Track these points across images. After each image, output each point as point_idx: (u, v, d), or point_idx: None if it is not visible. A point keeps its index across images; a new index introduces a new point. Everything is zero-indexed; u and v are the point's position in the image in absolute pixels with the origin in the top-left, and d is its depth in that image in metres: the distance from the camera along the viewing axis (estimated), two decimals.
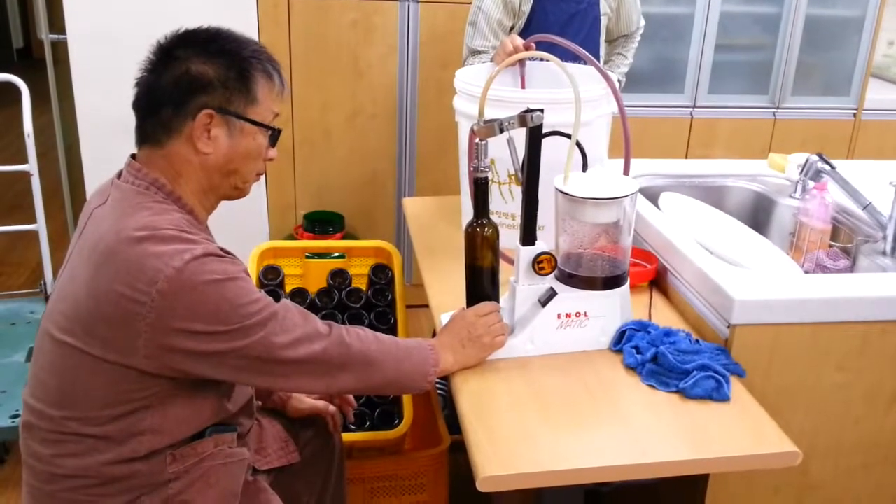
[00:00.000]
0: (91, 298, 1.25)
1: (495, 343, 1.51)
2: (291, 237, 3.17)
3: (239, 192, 1.42)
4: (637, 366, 1.50)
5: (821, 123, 3.46)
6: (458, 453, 2.02)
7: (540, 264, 1.53)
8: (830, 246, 2.04)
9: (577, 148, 1.52)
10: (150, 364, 1.25)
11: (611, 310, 1.57)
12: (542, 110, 1.47)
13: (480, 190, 1.51)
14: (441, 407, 2.33)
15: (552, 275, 1.55)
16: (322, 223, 3.15)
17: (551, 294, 1.53)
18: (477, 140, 1.47)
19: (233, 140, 1.35)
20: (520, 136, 1.49)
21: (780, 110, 3.43)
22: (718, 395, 1.42)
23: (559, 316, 1.55)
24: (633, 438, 1.32)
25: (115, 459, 1.28)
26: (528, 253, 1.53)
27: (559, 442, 1.30)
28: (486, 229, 1.53)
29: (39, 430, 1.31)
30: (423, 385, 1.44)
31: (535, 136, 1.48)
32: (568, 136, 1.51)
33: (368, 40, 3.12)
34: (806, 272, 1.97)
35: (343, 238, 3.14)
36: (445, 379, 1.53)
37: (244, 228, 3.04)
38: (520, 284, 1.55)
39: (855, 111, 3.48)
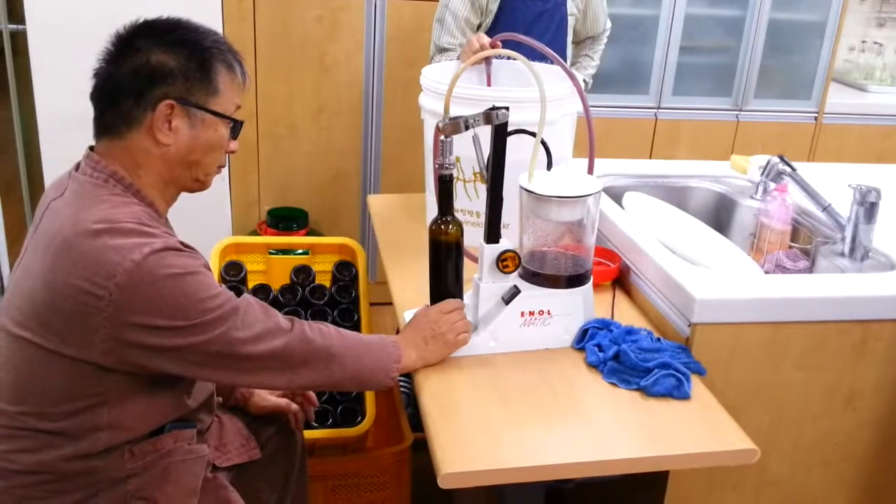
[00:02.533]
0: (48, 292, 1.23)
1: (458, 341, 1.50)
2: (255, 233, 3.15)
3: (200, 185, 1.41)
4: (599, 364, 1.51)
5: (783, 126, 3.51)
6: (421, 451, 2.02)
7: (504, 262, 1.53)
8: (790, 247, 2.07)
9: (541, 146, 1.52)
10: (108, 359, 1.23)
11: (574, 308, 1.58)
12: (507, 108, 1.47)
13: (445, 187, 1.51)
14: (404, 405, 2.33)
15: (516, 273, 1.55)
16: (286, 219, 3.12)
17: (515, 292, 1.53)
18: (442, 137, 1.47)
19: (194, 131, 1.33)
20: (485, 134, 1.49)
21: (742, 112, 3.47)
22: (679, 393, 1.43)
23: (522, 314, 1.55)
24: (595, 435, 1.33)
25: (72, 455, 1.26)
26: (492, 251, 1.53)
27: (521, 439, 1.31)
28: (450, 227, 1.52)
29: None
30: (385, 381, 1.44)
31: (501, 134, 1.48)
32: (533, 134, 1.51)
33: (334, 36, 3.11)
34: (766, 272, 2.00)
35: (307, 234, 3.12)
36: (408, 376, 1.53)
37: (207, 224, 3.00)
38: (483, 282, 1.55)
39: (816, 114, 3.53)
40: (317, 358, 1.36)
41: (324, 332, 1.38)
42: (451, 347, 1.50)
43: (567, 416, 1.38)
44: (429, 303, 1.56)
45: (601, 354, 1.51)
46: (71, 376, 1.25)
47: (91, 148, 1.36)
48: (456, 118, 1.46)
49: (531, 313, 1.55)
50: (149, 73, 1.30)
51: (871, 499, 1.78)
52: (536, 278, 1.56)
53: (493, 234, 1.53)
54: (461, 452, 1.26)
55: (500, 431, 1.32)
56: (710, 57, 3.45)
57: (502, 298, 1.55)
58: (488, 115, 1.46)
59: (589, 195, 1.51)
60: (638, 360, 1.47)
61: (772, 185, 2.11)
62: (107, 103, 1.33)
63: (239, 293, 2.02)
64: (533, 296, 1.55)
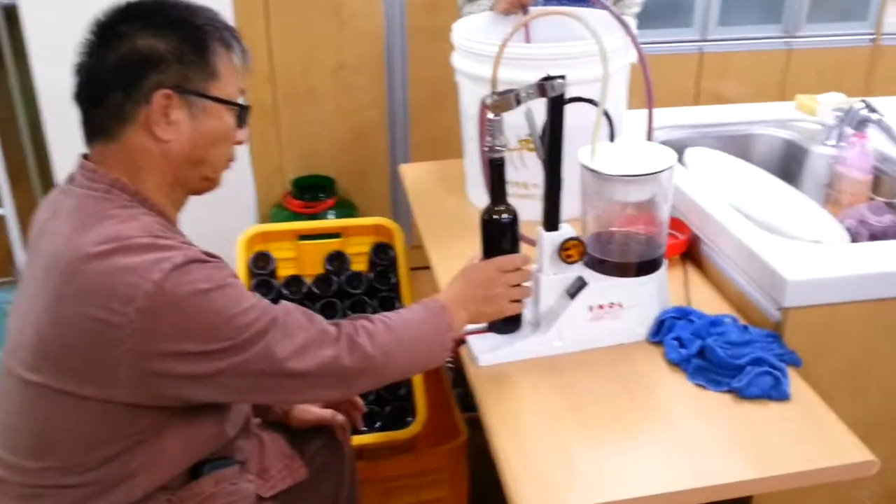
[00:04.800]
0: (56, 327, 1.07)
1: (509, 308, 1.34)
2: (280, 206, 2.97)
3: (209, 184, 1.24)
4: (681, 361, 1.33)
5: (838, 52, 3.24)
6: (475, 431, 1.88)
7: (567, 251, 1.35)
8: (871, 199, 1.86)
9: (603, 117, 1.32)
10: (136, 395, 1.08)
11: (648, 297, 1.40)
12: (563, 77, 1.27)
13: (496, 172, 1.31)
14: (451, 384, 2.18)
15: (580, 262, 1.37)
16: (312, 189, 2.94)
17: (581, 284, 1.36)
18: (490, 115, 1.27)
19: (196, 123, 1.16)
20: (536, 104, 1.30)
21: (794, 40, 3.20)
22: (777, 393, 1.26)
23: (591, 308, 1.37)
24: (684, 454, 1.16)
25: None
26: (552, 239, 1.35)
27: (601, 465, 1.14)
28: (503, 216, 1.34)
29: (13, 485, 1.14)
30: (443, 356, 1.29)
31: (558, 108, 1.28)
32: (595, 103, 1.31)
33: None
34: (847, 229, 1.79)
35: (336, 204, 2.94)
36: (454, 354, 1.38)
37: (229, 200, 2.82)
38: (544, 274, 1.38)
39: (874, 36, 3.25)
40: (371, 365, 1.20)
41: (372, 333, 1.21)
42: (500, 314, 1.35)
43: (652, 431, 1.21)
44: None
45: (683, 351, 1.34)
46: (96, 420, 1.10)
47: (84, 156, 1.19)
48: (505, 92, 1.27)
49: (600, 307, 1.38)
50: (138, 61, 1.12)
51: None
52: (603, 266, 1.38)
53: (552, 221, 1.35)
54: (539, 488, 1.10)
55: (577, 456, 1.16)
56: None
57: (566, 292, 1.37)
58: (542, 87, 1.27)
59: (662, 171, 1.31)
60: (727, 356, 1.29)
61: (848, 130, 1.90)
62: (94, 101, 1.15)
63: (269, 287, 1.89)
64: (601, 287, 1.37)
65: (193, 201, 1.26)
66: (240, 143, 1.25)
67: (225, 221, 2.74)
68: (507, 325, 1.39)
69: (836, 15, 3.21)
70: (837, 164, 1.91)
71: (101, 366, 1.06)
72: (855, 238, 1.78)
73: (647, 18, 2.97)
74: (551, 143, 1.30)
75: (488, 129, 1.28)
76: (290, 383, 1.14)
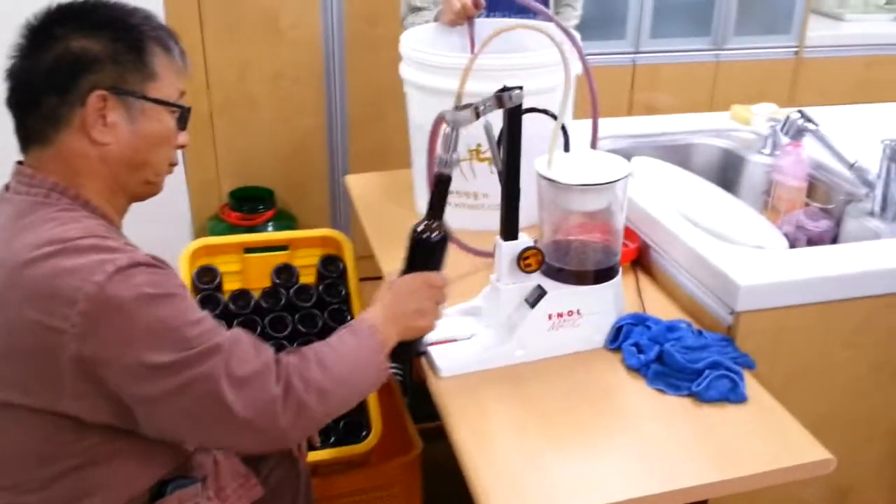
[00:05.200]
0: (0, 335, 1.03)
1: (429, 327, 1.31)
2: (217, 218, 2.91)
3: (151, 188, 1.21)
4: (640, 367, 1.35)
5: (763, 64, 3.34)
6: (429, 444, 1.87)
7: (526, 261, 1.35)
8: (807, 205, 1.93)
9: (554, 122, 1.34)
10: (81, 407, 1.04)
11: (605, 304, 1.41)
12: (521, 88, 1.28)
13: (441, 189, 1.29)
14: (402, 394, 2.16)
15: (538, 271, 1.37)
16: (250, 200, 2.89)
17: (540, 293, 1.36)
18: (448, 129, 1.27)
19: (134, 125, 1.13)
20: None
21: (722, 52, 3.29)
22: (735, 395, 1.29)
23: (550, 316, 1.38)
24: (652, 459, 1.17)
25: None
26: (511, 248, 1.35)
27: (573, 472, 1.15)
28: (435, 234, 1.29)
29: None
30: (380, 380, 1.24)
31: (515, 118, 1.29)
32: (549, 113, 1.33)
33: None
34: (785, 234, 1.85)
35: (275, 215, 2.90)
36: (401, 362, 1.35)
37: (163, 211, 2.75)
38: (503, 283, 1.38)
39: (797, 49, 3.37)
40: (308, 415, 1.12)
41: (305, 377, 1.12)
42: (431, 328, 1.31)
43: (618, 437, 1.22)
44: None
45: (642, 357, 1.36)
46: (45, 434, 1.05)
47: (20, 163, 1.15)
48: (465, 107, 1.27)
49: (559, 315, 1.38)
50: (71, 63, 1.09)
51: None
52: (561, 275, 1.39)
53: (510, 230, 1.35)
54: (509, 498, 1.10)
55: (548, 466, 1.16)
56: None
57: (526, 301, 1.38)
58: (500, 98, 1.27)
59: (618, 180, 1.33)
60: (685, 361, 1.32)
61: (783, 139, 1.96)
62: (27, 106, 1.12)
63: (215, 302, 1.84)
64: (560, 295, 1.38)
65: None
66: (182, 146, 1.22)
67: (158, 233, 2.65)
68: (410, 348, 1.33)
69: (762, 28, 3.32)
70: (774, 172, 1.97)
71: (46, 375, 1.02)
72: (793, 244, 1.83)
73: (582, 30, 3.01)
74: (509, 154, 1.31)
75: (445, 144, 1.27)
76: (225, 418, 1.06)
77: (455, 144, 1.27)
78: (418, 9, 2.22)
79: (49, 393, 1.03)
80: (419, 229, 1.30)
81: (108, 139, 1.12)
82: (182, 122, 1.20)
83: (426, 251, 1.30)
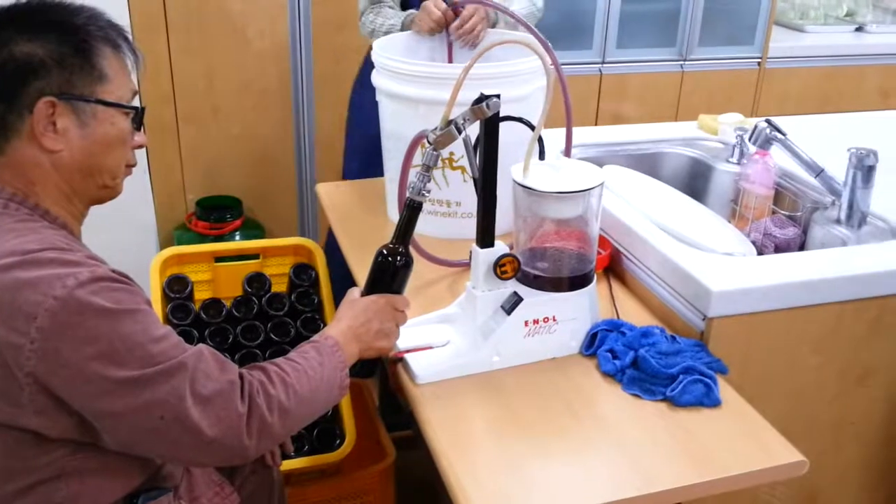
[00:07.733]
0: None
1: (389, 348, 1.33)
2: (184, 228, 2.88)
3: (109, 192, 1.19)
4: (616, 373, 1.36)
5: (728, 74, 3.40)
6: (400, 450, 1.87)
7: (502, 268, 1.35)
8: (774, 212, 1.96)
9: (529, 129, 1.35)
10: (42, 423, 1.02)
11: (580, 311, 1.42)
12: (498, 96, 1.29)
13: (412, 214, 1.31)
14: (377, 404, 2.16)
15: (514, 278, 1.38)
16: (218, 209, 2.86)
17: (517, 300, 1.37)
18: (430, 149, 1.28)
19: (86, 130, 1.11)
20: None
21: (687, 62, 3.34)
22: (709, 400, 1.30)
23: (526, 323, 1.39)
24: (631, 462, 1.18)
25: None
26: (487, 256, 1.36)
27: (553, 478, 1.15)
28: (400, 259, 1.32)
29: None
30: (341, 396, 1.25)
31: (492, 127, 1.30)
32: (532, 126, 1.34)
33: (254, 1, 2.83)
34: (754, 242, 1.88)
35: (243, 224, 2.88)
36: (359, 377, 1.36)
37: (129, 220, 2.74)
38: (479, 290, 1.38)
39: (759, 59, 3.43)
40: (269, 433, 1.11)
41: (269, 395, 1.11)
42: (391, 349, 1.33)
43: (595, 442, 1.23)
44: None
45: (617, 362, 1.37)
46: (8, 448, 1.04)
47: None
48: (447, 124, 1.27)
49: (535, 321, 1.39)
50: (15, 70, 1.07)
51: (881, 477, 1.70)
52: (537, 281, 1.40)
53: (487, 238, 1.36)
54: (490, 502, 1.10)
55: (529, 471, 1.16)
56: (653, 4, 3.29)
57: (502, 308, 1.38)
58: (478, 110, 1.27)
59: (594, 188, 1.34)
60: (660, 366, 1.33)
61: (750, 148, 1.99)
62: None
63: (186, 311, 1.81)
64: (536, 302, 1.38)
65: (89, 220, 1.21)
66: (139, 146, 1.20)
67: (123, 243, 2.63)
68: (368, 367, 1.35)
69: (726, 39, 3.38)
70: (741, 180, 2.00)
71: (6, 390, 1.00)
72: (761, 251, 1.86)
73: (549, 39, 3.05)
74: (485, 162, 1.31)
75: (424, 166, 1.29)
76: (189, 435, 1.05)
77: (436, 163, 1.29)
78: (379, 1, 2.19)
79: (10, 408, 1.01)
80: (385, 252, 1.32)
81: (60, 146, 1.10)
82: (137, 123, 1.17)
83: (390, 274, 1.33)
